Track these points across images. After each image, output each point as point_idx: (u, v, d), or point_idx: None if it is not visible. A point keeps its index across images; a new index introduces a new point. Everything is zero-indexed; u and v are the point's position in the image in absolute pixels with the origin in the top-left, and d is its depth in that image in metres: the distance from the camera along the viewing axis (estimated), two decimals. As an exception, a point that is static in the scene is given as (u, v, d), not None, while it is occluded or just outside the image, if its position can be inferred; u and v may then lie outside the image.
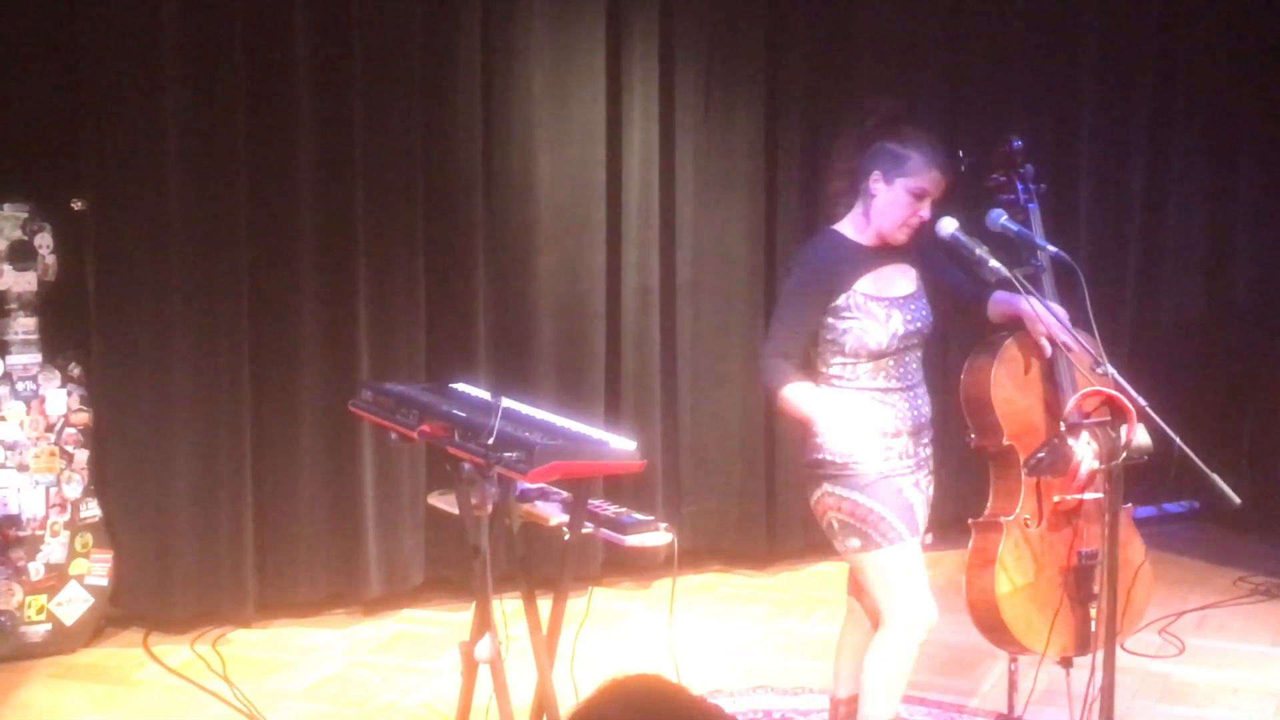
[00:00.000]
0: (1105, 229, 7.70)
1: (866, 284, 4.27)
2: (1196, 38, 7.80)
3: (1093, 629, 4.38)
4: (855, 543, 4.28)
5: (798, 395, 4.22)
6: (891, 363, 4.28)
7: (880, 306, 4.26)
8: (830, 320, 4.25)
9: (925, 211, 4.27)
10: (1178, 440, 3.94)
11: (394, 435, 4.41)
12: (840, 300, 4.25)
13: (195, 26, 5.85)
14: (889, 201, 4.25)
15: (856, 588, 4.51)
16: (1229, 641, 6.09)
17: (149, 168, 5.85)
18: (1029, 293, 4.25)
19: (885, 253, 4.33)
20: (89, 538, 5.84)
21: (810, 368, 4.33)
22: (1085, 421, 4.19)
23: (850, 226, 4.35)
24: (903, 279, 4.35)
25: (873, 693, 4.33)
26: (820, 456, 4.30)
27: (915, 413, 4.33)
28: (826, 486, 4.30)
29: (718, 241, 6.90)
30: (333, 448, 6.19)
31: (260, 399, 6.10)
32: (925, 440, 4.40)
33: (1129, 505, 4.57)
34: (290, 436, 6.16)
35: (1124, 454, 4.01)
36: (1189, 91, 7.83)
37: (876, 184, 4.26)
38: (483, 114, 6.34)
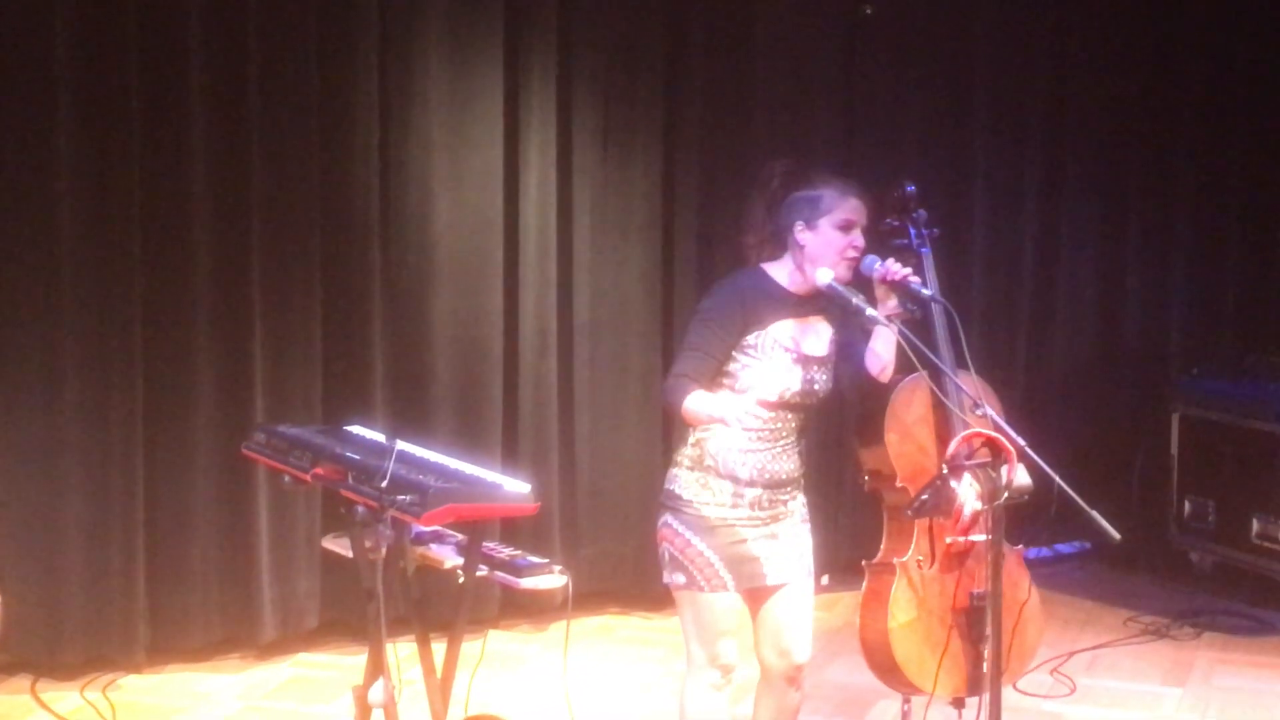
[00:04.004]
0: (999, 272, 7.81)
1: (783, 330, 4.27)
2: (1088, 83, 7.93)
3: (985, 669, 4.41)
4: (680, 579, 4.31)
5: (697, 403, 4.15)
6: (769, 414, 4.26)
7: (787, 357, 4.25)
8: (735, 354, 4.25)
9: (858, 240, 4.30)
10: (1057, 478, 3.99)
11: (287, 478, 4.38)
12: (752, 338, 4.24)
13: (87, 63, 5.79)
14: (820, 244, 4.27)
15: (759, 643, 4.47)
16: (1119, 681, 6.16)
17: (39, 203, 5.78)
18: (908, 342, 4.27)
19: (810, 305, 4.33)
20: (-25, 582, 5.75)
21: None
22: (966, 463, 4.22)
23: (782, 272, 4.35)
24: (817, 339, 4.33)
25: None
26: (672, 488, 4.34)
27: (775, 467, 4.30)
28: (668, 517, 4.34)
29: (615, 284, 6.91)
30: (227, 489, 6.13)
31: (153, 439, 6.03)
32: (786, 494, 4.36)
33: (1020, 546, 4.63)
34: (183, 477, 6.09)
35: (1005, 494, 4.05)
36: (1080, 137, 7.96)
37: (802, 234, 4.29)
38: (380, 156, 6.33)
